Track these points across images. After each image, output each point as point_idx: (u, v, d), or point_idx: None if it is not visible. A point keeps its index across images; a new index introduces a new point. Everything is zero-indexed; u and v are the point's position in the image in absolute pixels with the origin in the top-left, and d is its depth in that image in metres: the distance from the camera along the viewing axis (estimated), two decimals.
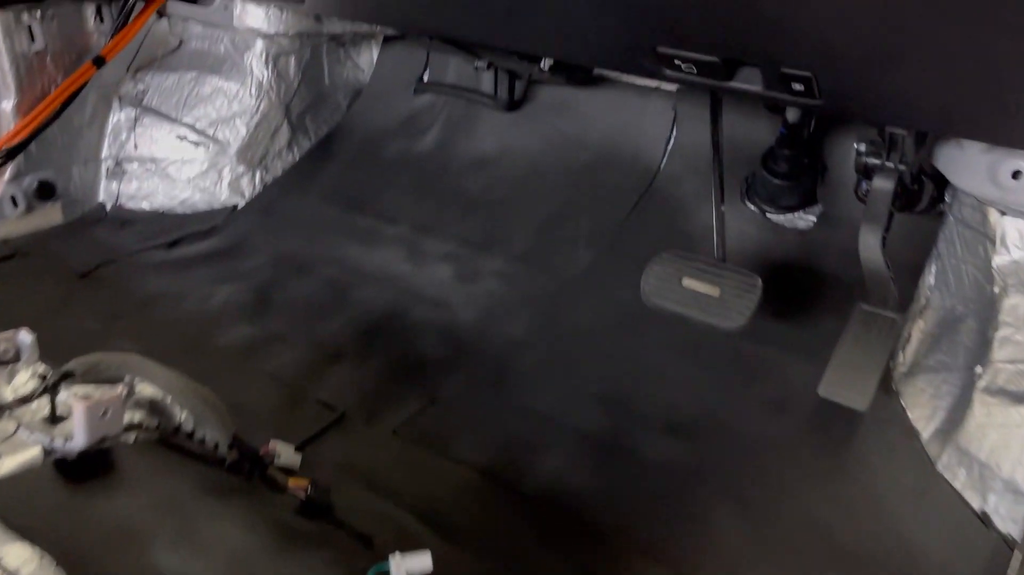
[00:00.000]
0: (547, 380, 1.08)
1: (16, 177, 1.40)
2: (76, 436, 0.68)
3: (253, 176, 1.52)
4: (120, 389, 0.70)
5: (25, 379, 0.76)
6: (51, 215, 1.46)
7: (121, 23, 1.46)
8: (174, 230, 1.44)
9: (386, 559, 0.72)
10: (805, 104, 0.83)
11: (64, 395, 0.74)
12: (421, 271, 1.32)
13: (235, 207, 1.49)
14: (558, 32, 0.93)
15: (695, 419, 0.99)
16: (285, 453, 0.91)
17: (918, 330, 0.98)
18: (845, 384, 0.89)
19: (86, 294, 1.27)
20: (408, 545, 0.75)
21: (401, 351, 1.14)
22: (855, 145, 0.95)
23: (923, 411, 0.95)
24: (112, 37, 1.44)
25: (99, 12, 1.49)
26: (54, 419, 0.73)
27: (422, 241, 1.39)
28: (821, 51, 0.75)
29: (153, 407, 0.78)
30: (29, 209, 1.42)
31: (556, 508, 0.88)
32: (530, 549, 0.82)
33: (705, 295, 0.95)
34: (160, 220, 1.48)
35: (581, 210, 1.38)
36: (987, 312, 0.90)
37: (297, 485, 0.86)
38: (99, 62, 1.43)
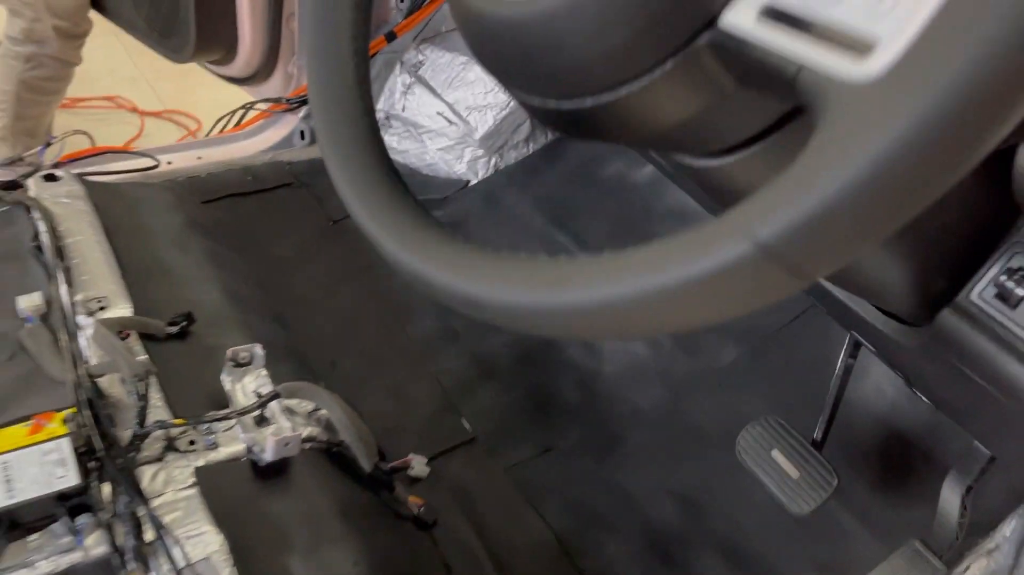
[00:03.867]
0: (647, 462, 1.26)
1: (307, 116, 1.71)
2: (266, 453, 0.98)
3: (488, 161, 1.73)
4: (300, 431, 0.98)
5: (251, 384, 1.07)
6: None
7: (417, 5, 1.67)
8: (419, 190, 1.70)
9: None
10: None
11: (273, 406, 1.04)
12: None
13: (467, 183, 1.72)
14: None
15: (748, 552, 1.15)
16: (418, 465, 1.18)
17: None
18: None
19: (328, 240, 1.57)
20: None
21: (545, 387, 1.35)
22: None
23: None
24: (406, 17, 1.67)
25: None
26: (260, 423, 1.03)
27: None
28: None
29: (327, 425, 1.07)
30: (312, 143, 1.73)
31: None
32: None
33: (785, 472, 1.07)
34: (409, 176, 1.74)
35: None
36: None
37: (414, 501, 1.14)
38: (390, 37, 1.67)
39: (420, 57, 1.76)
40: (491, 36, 0.45)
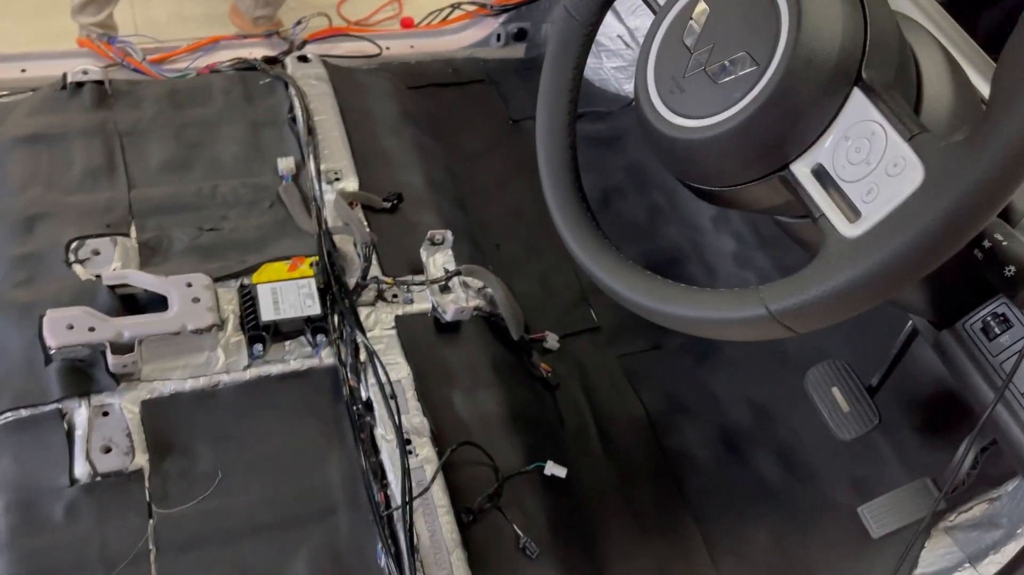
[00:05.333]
0: (734, 371, 1.53)
1: (505, 23, 1.95)
2: (447, 314, 1.32)
3: None
4: (472, 303, 1.32)
5: (441, 260, 1.40)
6: (518, 51, 2.02)
7: None
8: (587, 102, 1.93)
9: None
10: None
11: (455, 280, 1.37)
12: None
13: (631, 102, 1.94)
14: None
15: (799, 459, 1.43)
16: (552, 340, 1.50)
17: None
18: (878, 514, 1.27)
19: (507, 137, 1.85)
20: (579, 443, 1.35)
21: None
22: None
23: None
24: None
25: None
26: (444, 290, 1.37)
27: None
28: None
29: (490, 300, 1.39)
30: (505, 44, 1.99)
31: (673, 477, 1.39)
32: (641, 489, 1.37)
33: (838, 405, 1.32)
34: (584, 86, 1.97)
35: None
36: None
37: (545, 368, 1.47)
38: None
39: None
40: (665, 146, 0.73)
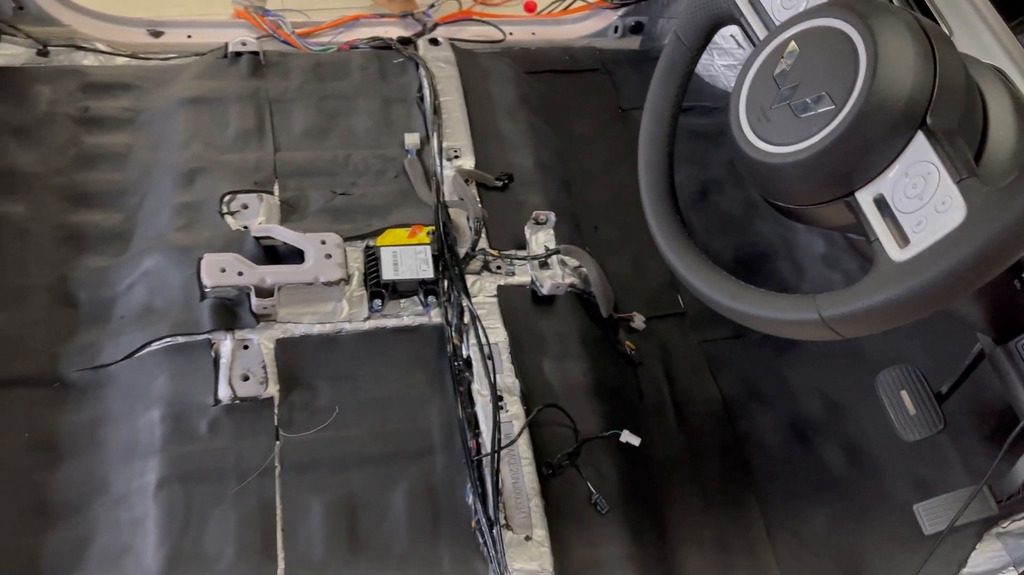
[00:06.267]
0: (811, 364, 1.60)
1: (623, 16, 2.05)
2: (543, 288, 1.45)
3: None
4: (567, 280, 1.45)
5: (543, 238, 1.53)
6: (632, 43, 2.11)
7: None
8: (694, 96, 2.01)
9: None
10: None
11: (554, 258, 1.50)
12: None
13: None
14: None
15: (864, 454, 1.50)
16: (638, 320, 1.61)
17: None
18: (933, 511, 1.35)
19: (615, 124, 1.95)
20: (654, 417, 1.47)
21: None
22: None
23: None
24: None
25: None
26: (543, 266, 1.50)
27: None
28: None
29: (584, 279, 1.52)
30: (622, 36, 2.08)
31: (740, 457, 1.48)
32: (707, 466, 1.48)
33: (906, 408, 1.39)
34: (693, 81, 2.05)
35: None
36: None
37: (629, 345, 1.58)
38: None
39: None
40: (749, 165, 0.85)
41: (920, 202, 0.71)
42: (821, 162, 0.77)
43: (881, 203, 0.74)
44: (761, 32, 0.94)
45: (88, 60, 1.70)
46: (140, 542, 1.14)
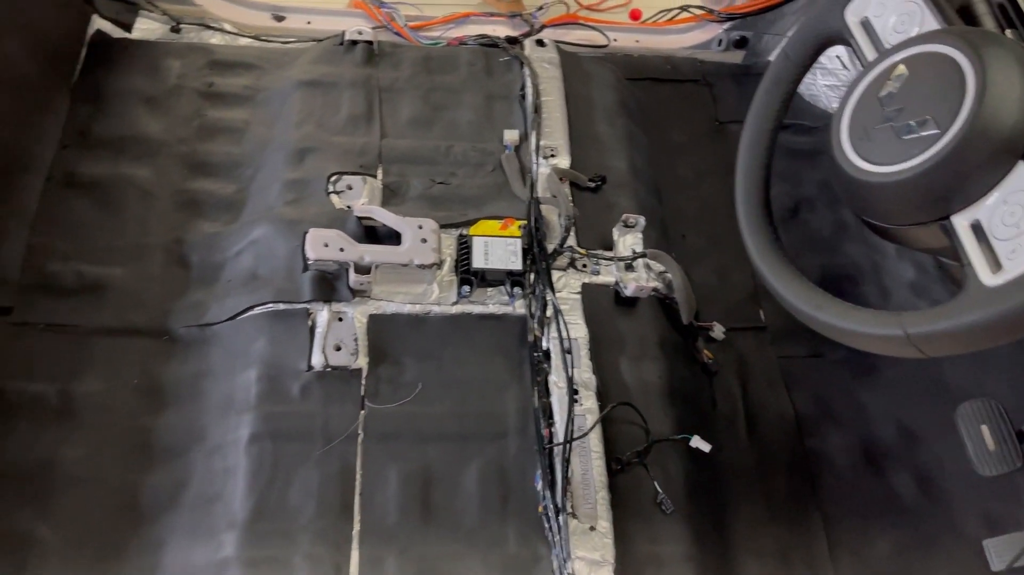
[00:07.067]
0: (889, 391, 1.59)
1: (729, 29, 2.06)
2: (627, 290, 1.48)
3: None
4: (651, 284, 1.48)
5: (630, 241, 1.56)
6: (735, 57, 2.12)
7: None
8: (794, 114, 2.01)
9: None
10: None
11: (639, 261, 1.53)
12: None
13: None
14: None
15: (937, 485, 1.48)
16: (718, 331, 1.63)
17: None
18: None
19: (711, 137, 1.96)
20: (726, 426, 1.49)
21: None
22: None
23: None
24: None
25: None
26: (628, 268, 1.53)
27: None
28: None
29: (668, 284, 1.54)
30: (726, 50, 2.10)
31: (808, 474, 1.49)
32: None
33: (984, 441, 1.37)
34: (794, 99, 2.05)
35: None
36: None
37: (707, 354, 1.60)
38: None
39: None
40: (847, 183, 0.87)
41: (1017, 231, 0.72)
42: (920, 184, 0.79)
43: (977, 229, 0.76)
44: (870, 54, 0.96)
45: (216, 39, 1.81)
46: (230, 491, 1.22)
